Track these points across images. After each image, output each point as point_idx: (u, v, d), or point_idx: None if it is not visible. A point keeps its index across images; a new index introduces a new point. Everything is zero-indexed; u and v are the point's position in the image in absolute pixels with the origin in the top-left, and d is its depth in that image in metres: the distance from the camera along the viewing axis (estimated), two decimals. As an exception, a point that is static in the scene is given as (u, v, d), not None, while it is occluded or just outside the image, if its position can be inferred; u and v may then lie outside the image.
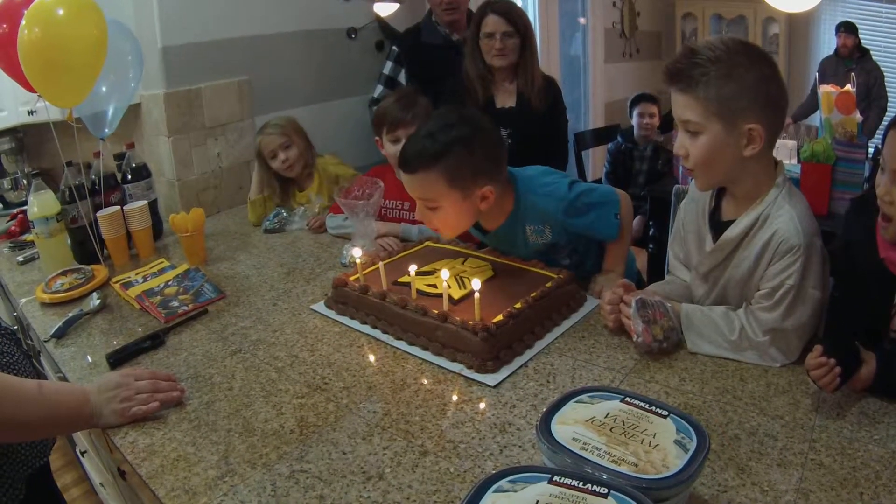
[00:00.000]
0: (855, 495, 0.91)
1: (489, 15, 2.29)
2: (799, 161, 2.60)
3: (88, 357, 1.49)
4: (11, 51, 1.70)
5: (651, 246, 3.20)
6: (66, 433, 1.16)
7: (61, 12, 1.67)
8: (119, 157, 2.24)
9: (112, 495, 1.83)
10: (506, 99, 2.42)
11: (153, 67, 2.35)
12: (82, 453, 2.01)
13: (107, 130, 2.03)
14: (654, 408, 0.93)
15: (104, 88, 1.95)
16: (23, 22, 1.66)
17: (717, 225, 1.35)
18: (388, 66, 2.82)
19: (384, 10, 2.98)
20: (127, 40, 2.01)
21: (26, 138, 2.85)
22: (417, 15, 2.92)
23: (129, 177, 2.17)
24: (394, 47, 2.84)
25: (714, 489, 0.94)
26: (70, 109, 1.87)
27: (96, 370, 1.43)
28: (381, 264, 1.55)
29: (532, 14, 4.65)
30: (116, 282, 1.85)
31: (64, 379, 1.44)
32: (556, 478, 0.79)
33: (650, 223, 3.28)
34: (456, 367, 1.30)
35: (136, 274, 1.88)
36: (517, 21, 2.29)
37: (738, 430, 1.06)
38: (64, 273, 1.89)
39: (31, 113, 2.47)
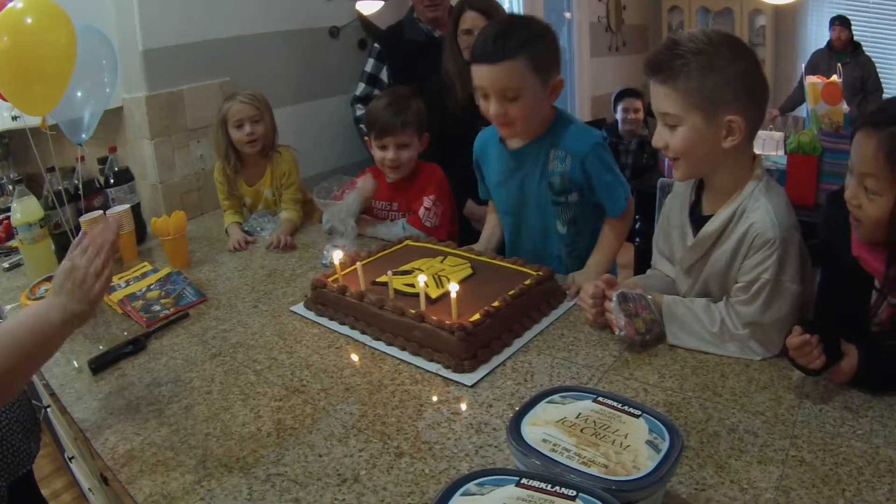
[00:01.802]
0: (837, 492, 0.90)
1: (467, 11, 2.25)
2: (786, 152, 2.61)
3: (74, 362, 1.48)
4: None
5: (637, 239, 3.20)
6: (48, 354, 1.11)
7: (30, 21, 1.65)
8: (102, 160, 2.23)
9: (100, 501, 1.82)
10: None
11: (134, 70, 2.34)
12: (70, 459, 2.01)
13: (84, 136, 2.02)
14: (626, 407, 0.92)
15: (79, 94, 1.93)
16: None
17: (698, 220, 1.35)
18: (370, 64, 2.80)
19: (367, 8, 2.96)
20: (102, 45, 2.00)
21: (12, 143, 2.84)
22: (400, 12, 2.91)
23: (112, 180, 2.16)
24: (376, 44, 2.82)
25: (692, 487, 0.93)
26: (43, 117, 1.85)
27: (81, 375, 1.42)
28: (358, 265, 1.54)
29: (517, 9, 4.64)
30: (99, 287, 1.83)
31: (48, 386, 1.43)
32: (524, 480, 0.79)
33: (636, 217, 3.28)
34: (433, 366, 1.30)
35: (119, 278, 1.87)
36: (495, 16, 2.25)
37: (718, 427, 1.06)
38: (48, 279, 1.87)
39: (14, 118, 2.45)
